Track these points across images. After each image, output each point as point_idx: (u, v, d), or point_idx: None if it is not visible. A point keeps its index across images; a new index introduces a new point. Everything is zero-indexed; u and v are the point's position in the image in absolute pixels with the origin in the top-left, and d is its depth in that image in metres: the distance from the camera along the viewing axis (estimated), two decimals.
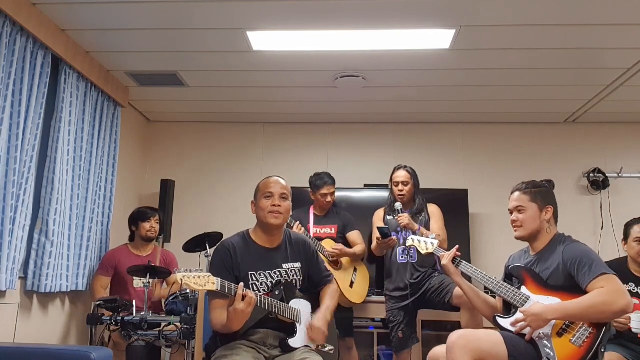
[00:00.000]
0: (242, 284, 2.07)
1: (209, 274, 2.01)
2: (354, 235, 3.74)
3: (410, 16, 3.06)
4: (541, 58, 3.56)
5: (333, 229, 3.74)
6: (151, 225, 3.75)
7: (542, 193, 2.42)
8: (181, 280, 1.91)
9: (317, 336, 2.27)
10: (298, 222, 3.49)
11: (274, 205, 2.32)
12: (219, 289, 2.01)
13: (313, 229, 3.72)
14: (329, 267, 3.50)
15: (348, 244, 3.72)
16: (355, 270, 3.70)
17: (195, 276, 1.95)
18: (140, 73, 3.96)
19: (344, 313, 3.61)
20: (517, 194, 2.45)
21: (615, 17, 3.01)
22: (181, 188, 4.91)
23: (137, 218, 3.79)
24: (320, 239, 3.61)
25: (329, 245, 3.59)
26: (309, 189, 3.81)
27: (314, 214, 3.80)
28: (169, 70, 3.91)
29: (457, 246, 2.61)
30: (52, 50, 3.19)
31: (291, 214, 3.53)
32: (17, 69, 2.92)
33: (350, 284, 3.61)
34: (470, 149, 4.94)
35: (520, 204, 2.41)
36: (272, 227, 2.34)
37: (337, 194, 3.93)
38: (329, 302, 2.45)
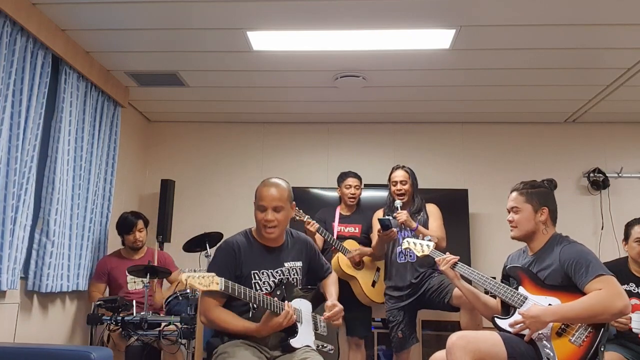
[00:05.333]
0: (291, 305, 2.17)
1: (213, 274, 2.01)
2: None
3: (410, 16, 3.06)
4: (541, 58, 3.56)
5: (357, 229, 3.75)
6: (135, 237, 3.68)
7: (538, 194, 2.41)
8: (186, 280, 1.92)
9: (337, 314, 2.35)
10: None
11: (266, 221, 2.27)
12: (222, 289, 2.02)
13: (338, 227, 3.75)
14: (351, 269, 3.50)
15: (371, 244, 3.74)
16: (377, 269, 3.69)
17: (200, 276, 1.96)
18: (140, 73, 3.96)
19: (365, 312, 3.67)
20: (514, 194, 2.46)
21: (615, 17, 3.01)
22: (181, 188, 4.91)
23: (121, 230, 3.73)
24: (343, 238, 3.64)
25: (350, 245, 3.61)
26: (337, 187, 3.90)
27: (340, 213, 3.84)
28: (169, 70, 3.91)
29: (448, 253, 2.60)
30: (52, 50, 3.19)
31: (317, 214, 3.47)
32: (18, 69, 2.92)
33: (373, 284, 3.63)
34: (470, 149, 4.94)
35: (516, 205, 2.43)
36: (268, 239, 2.35)
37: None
38: (333, 289, 2.53)
